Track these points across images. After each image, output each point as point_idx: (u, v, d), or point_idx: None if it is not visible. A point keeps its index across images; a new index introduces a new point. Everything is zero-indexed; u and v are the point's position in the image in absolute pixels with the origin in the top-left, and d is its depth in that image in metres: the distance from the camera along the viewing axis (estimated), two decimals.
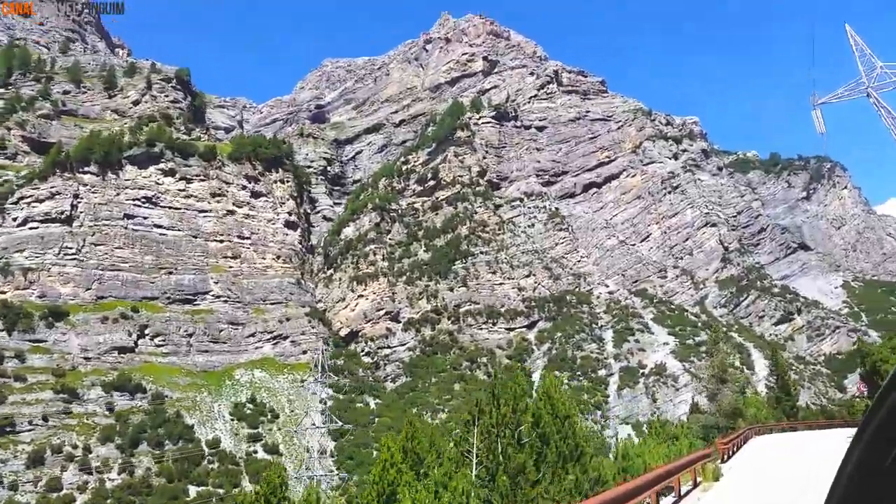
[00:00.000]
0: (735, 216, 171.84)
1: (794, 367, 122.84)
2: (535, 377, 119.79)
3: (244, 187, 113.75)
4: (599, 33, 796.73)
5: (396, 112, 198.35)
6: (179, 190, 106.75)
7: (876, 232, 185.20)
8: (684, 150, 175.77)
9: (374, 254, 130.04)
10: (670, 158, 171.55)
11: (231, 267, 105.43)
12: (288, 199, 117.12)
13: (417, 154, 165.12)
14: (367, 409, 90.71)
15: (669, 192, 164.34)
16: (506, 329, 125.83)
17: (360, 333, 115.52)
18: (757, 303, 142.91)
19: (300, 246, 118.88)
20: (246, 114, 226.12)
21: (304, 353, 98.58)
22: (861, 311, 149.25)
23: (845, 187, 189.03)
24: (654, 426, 41.66)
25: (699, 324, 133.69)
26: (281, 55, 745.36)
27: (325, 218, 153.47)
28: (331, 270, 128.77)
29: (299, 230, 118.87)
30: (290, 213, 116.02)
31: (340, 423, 76.68)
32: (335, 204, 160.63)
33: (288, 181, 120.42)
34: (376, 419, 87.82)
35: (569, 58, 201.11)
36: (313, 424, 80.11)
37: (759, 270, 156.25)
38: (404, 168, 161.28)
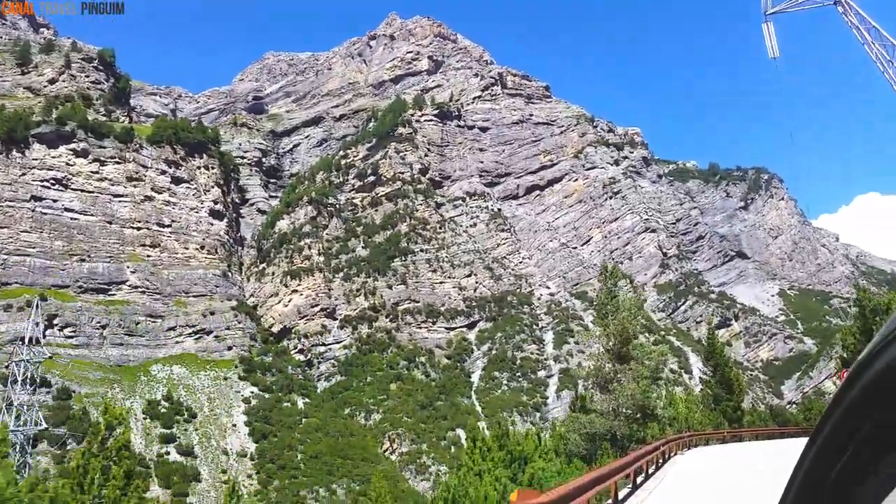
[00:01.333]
0: (674, 223, 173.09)
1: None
2: (475, 377, 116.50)
3: (164, 172, 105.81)
4: (546, 40, 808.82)
5: (337, 106, 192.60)
6: (92, 172, 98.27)
7: (811, 243, 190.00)
8: (625, 157, 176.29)
9: (310, 248, 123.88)
10: (612, 164, 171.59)
11: (149, 256, 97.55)
12: (213, 187, 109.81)
13: (357, 149, 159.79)
14: (294, 409, 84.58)
15: (610, 198, 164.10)
16: (445, 328, 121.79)
17: (293, 330, 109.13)
18: (695, 308, 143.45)
19: (227, 237, 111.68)
20: (180, 103, 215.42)
21: (229, 349, 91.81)
22: (797, 319, 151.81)
23: (782, 198, 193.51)
24: (487, 441, 24.98)
25: (638, 327, 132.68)
26: (225, 49, 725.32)
27: (259, 211, 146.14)
28: (263, 264, 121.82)
29: (226, 220, 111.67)
30: (215, 202, 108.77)
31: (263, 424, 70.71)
32: (270, 197, 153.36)
33: (213, 168, 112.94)
34: (303, 419, 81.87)
35: (517, 65, 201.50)
36: (234, 425, 73.90)
37: (697, 277, 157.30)
38: (343, 163, 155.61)
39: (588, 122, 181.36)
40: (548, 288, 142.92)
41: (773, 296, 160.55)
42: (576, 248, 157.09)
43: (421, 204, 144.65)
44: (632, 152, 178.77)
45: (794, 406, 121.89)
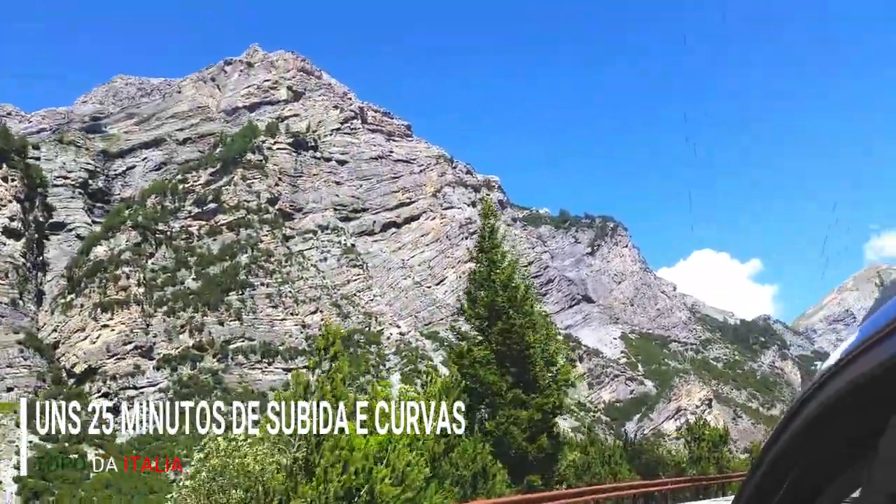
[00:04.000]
0: (527, 266, 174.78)
1: (575, 414, 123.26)
2: None
3: None
4: (410, 82, 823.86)
5: (182, 130, 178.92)
6: None
7: (651, 289, 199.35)
8: (482, 199, 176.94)
9: (128, 278, 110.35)
10: (469, 206, 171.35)
11: None
12: (10, 202, 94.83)
13: (199, 174, 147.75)
14: (82, 462, 71.71)
15: (466, 238, 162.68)
16: (283, 369, 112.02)
17: (98, 370, 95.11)
18: None
19: (24, 259, 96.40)
20: (11, 121, 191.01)
21: (10, 389, 77.29)
22: (637, 361, 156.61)
23: (626, 246, 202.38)
24: None
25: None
26: (74, 72, 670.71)
27: (79, 237, 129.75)
28: (72, 295, 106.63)
29: (24, 241, 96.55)
30: (11, 219, 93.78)
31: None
32: (95, 222, 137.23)
33: (13, 180, 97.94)
34: (92, 475, 69.47)
35: (381, 104, 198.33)
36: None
37: (546, 318, 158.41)
38: (181, 187, 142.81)
39: (447, 162, 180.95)
40: (398, 327, 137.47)
41: (615, 339, 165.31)
42: (430, 287, 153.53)
43: (266, 235, 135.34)
44: (488, 194, 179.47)
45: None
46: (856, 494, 0.87)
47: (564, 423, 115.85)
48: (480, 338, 24.07)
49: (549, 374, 23.50)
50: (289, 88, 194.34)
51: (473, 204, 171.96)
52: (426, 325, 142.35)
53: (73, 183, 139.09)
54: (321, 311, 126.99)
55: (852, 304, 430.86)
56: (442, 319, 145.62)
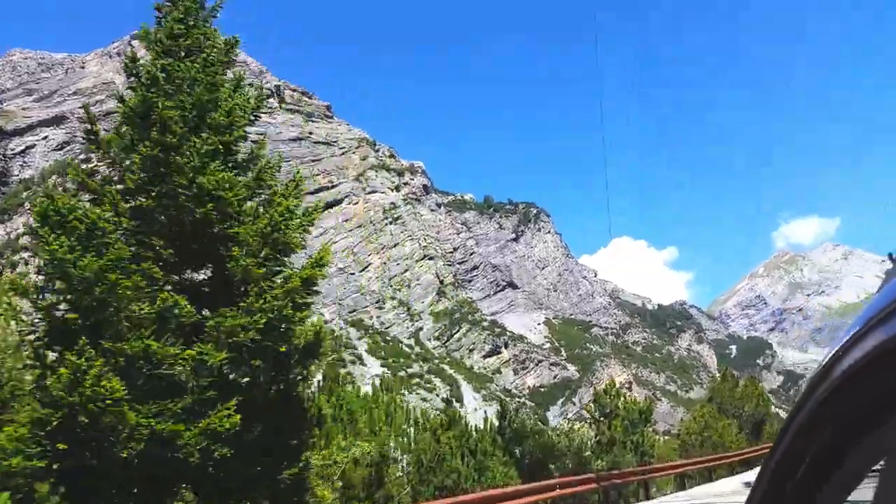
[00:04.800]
0: (451, 252, 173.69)
1: (500, 399, 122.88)
2: None
3: None
4: (331, 61, 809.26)
5: (89, 106, 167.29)
6: None
7: (574, 275, 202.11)
8: (406, 184, 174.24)
9: (27, 264, 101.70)
10: (392, 190, 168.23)
11: None
12: None
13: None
14: None
15: (391, 223, 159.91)
16: None
17: None
18: (468, 336, 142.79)
19: None
20: None
21: None
22: (560, 347, 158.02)
23: (549, 232, 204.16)
24: None
25: (413, 355, 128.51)
26: None
27: None
28: None
29: None
30: None
31: None
32: None
33: None
34: None
35: (300, 84, 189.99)
36: None
37: (471, 305, 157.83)
38: (87, 167, 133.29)
39: (370, 145, 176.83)
40: (322, 315, 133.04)
41: (539, 324, 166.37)
42: (354, 273, 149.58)
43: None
44: (412, 179, 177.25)
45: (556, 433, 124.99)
46: (879, 466, 0.87)
47: (490, 410, 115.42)
48: None
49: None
50: None
51: (397, 188, 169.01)
52: (350, 312, 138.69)
53: None
54: None
55: (763, 290, 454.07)
56: (367, 307, 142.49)
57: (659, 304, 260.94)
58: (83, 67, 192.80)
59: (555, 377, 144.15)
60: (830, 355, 0.93)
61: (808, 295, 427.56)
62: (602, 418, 24.81)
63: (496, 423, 23.75)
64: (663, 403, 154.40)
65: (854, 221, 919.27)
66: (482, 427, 23.21)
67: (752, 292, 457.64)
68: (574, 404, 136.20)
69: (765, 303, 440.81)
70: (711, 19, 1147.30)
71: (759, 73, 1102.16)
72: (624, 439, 23.80)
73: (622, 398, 26.61)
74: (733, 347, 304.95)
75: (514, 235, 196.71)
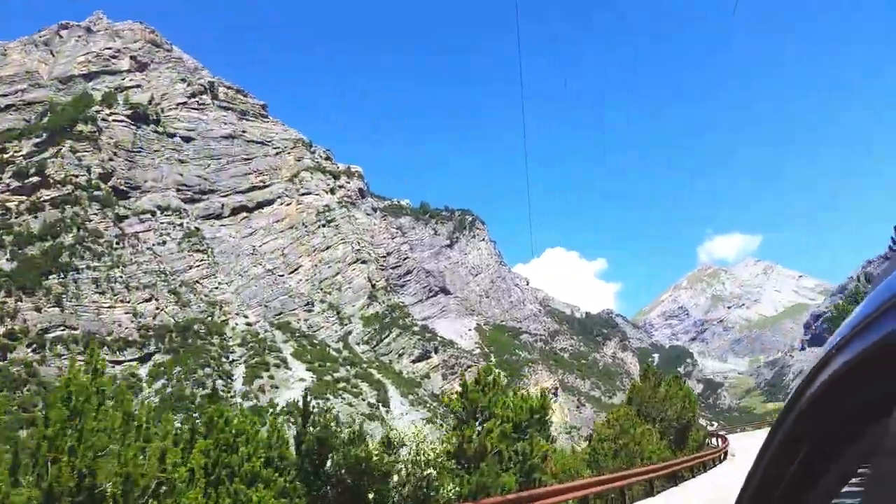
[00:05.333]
0: (385, 256, 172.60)
1: (428, 405, 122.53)
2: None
3: None
4: (268, 61, 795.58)
5: (6, 96, 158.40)
6: None
7: (506, 282, 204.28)
8: (341, 187, 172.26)
9: None
10: (327, 192, 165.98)
11: None
12: None
13: (21, 143, 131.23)
14: None
15: (324, 226, 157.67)
16: (110, 362, 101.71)
17: None
18: (398, 340, 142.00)
19: None
20: None
21: None
22: (490, 352, 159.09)
23: (483, 239, 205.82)
24: None
25: (340, 360, 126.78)
26: None
27: None
28: None
29: None
30: None
31: None
32: None
33: None
34: None
35: (238, 84, 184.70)
36: None
37: (403, 309, 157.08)
38: (2, 157, 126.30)
39: (306, 146, 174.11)
40: (245, 317, 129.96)
41: (470, 330, 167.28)
42: (283, 275, 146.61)
43: (97, 213, 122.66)
44: (348, 182, 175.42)
45: None
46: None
47: (417, 415, 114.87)
48: None
49: None
50: (132, 58, 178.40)
51: (332, 191, 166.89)
52: (277, 315, 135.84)
53: None
54: (156, 299, 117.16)
55: (686, 301, 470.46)
56: (294, 310, 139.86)
57: (587, 313, 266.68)
58: (5, 55, 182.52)
59: None
60: (817, 363, 0.95)
61: (729, 307, 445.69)
62: (464, 422, 16.57)
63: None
64: (587, 409, 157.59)
65: (775, 239, 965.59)
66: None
67: (676, 303, 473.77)
68: None
69: (687, 313, 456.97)
70: (645, 34, 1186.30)
71: (692, 90, 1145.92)
72: (503, 449, 16.07)
73: (498, 388, 17.78)
74: (656, 355, 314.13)
75: (448, 242, 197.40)
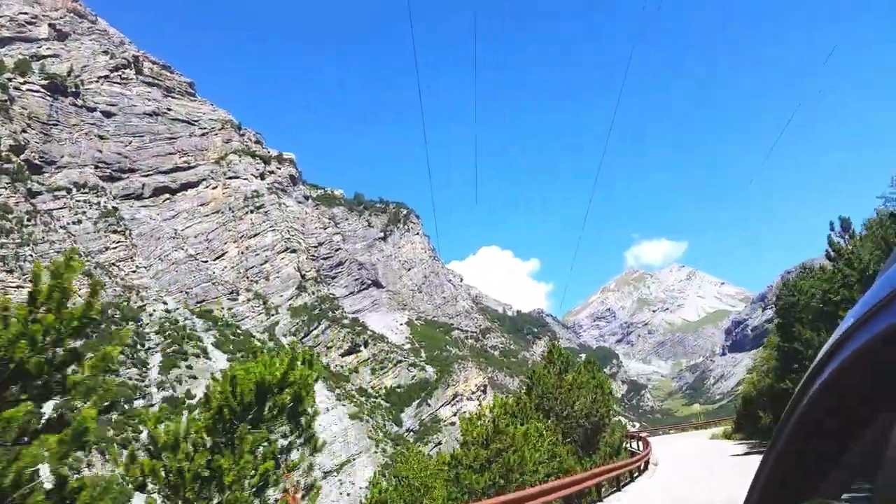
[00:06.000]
0: (316, 247, 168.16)
1: (355, 399, 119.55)
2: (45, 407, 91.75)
3: None
4: (198, 39, 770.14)
5: None
6: None
7: (439, 277, 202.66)
8: (272, 172, 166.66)
9: None
10: (256, 177, 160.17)
11: None
12: None
13: None
14: None
15: (252, 212, 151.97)
16: None
17: None
18: (327, 333, 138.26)
19: None
20: None
21: None
22: (421, 348, 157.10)
23: (417, 233, 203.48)
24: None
25: (265, 351, 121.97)
26: None
27: None
28: None
29: None
30: None
31: None
32: None
33: None
34: None
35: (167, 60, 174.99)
36: None
37: (333, 301, 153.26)
38: None
39: (235, 129, 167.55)
40: (164, 304, 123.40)
41: (401, 324, 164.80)
42: (206, 261, 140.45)
43: (6, 187, 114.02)
44: (279, 168, 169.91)
45: (412, 434, 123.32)
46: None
47: (343, 409, 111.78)
48: None
49: None
50: (51, 27, 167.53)
51: (262, 176, 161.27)
52: (199, 302, 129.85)
53: None
54: None
55: (613, 304, 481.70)
56: (218, 297, 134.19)
57: (518, 311, 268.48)
58: None
59: (413, 378, 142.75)
60: (834, 339, 0.92)
61: (654, 311, 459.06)
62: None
63: None
64: None
65: (699, 246, 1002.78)
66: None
67: (604, 305, 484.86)
68: (429, 406, 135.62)
69: (614, 316, 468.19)
70: (587, 42, 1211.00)
71: (623, 92, 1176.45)
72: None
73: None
74: (583, 356, 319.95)
75: (382, 234, 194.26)
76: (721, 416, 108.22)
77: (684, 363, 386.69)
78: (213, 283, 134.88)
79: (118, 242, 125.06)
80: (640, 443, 41.48)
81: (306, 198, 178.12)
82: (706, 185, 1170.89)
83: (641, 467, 27.51)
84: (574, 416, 25.65)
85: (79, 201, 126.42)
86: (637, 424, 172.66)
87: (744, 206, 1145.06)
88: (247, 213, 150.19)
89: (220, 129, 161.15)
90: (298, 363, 10.68)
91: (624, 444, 35.94)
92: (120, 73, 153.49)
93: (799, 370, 27.84)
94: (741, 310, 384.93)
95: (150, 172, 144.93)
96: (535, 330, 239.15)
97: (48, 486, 5.98)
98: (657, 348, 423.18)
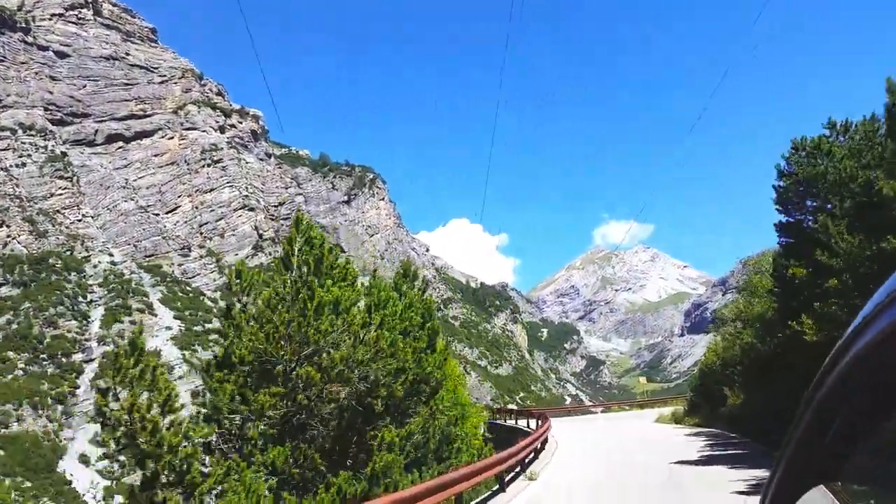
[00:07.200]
0: (276, 206, 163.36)
1: None
2: None
3: None
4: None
5: None
6: None
7: (403, 245, 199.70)
8: (233, 126, 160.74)
9: None
10: (216, 130, 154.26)
11: None
12: None
13: None
14: None
15: (209, 165, 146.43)
16: None
17: None
18: None
19: None
20: None
21: None
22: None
23: (383, 199, 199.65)
24: None
25: (215, 310, 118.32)
26: None
27: None
28: None
29: None
30: None
31: None
32: None
33: None
34: None
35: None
36: None
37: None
38: None
39: (196, 78, 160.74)
40: (111, 255, 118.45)
41: None
42: (158, 214, 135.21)
43: None
44: (241, 122, 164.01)
45: None
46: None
47: None
48: None
49: None
50: None
51: (222, 129, 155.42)
52: (147, 256, 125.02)
53: None
54: (7, 226, 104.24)
55: (577, 281, 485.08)
56: (168, 252, 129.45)
57: (482, 283, 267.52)
58: None
59: None
60: (853, 327, 0.90)
61: (617, 290, 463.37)
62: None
63: None
64: (471, 377, 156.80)
65: (665, 230, 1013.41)
66: None
67: (569, 282, 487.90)
68: None
69: (578, 293, 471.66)
70: (572, 20, 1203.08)
71: (602, 78, 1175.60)
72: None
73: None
74: (545, 331, 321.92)
75: (346, 198, 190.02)
76: (674, 394, 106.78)
77: (643, 342, 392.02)
78: (164, 238, 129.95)
79: (64, 189, 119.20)
80: (539, 420, 29.37)
81: (269, 155, 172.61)
82: (676, 170, 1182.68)
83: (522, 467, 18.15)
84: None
85: (24, 143, 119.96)
86: (591, 400, 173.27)
87: (708, 193, 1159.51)
88: (203, 166, 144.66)
89: (180, 78, 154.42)
90: None
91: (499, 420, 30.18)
92: (77, 12, 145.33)
93: (823, 297, 16.45)
94: (702, 293, 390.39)
95: (104, 118, 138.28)
96: (498, 303, 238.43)
97: None
98: (618, 326, 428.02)
